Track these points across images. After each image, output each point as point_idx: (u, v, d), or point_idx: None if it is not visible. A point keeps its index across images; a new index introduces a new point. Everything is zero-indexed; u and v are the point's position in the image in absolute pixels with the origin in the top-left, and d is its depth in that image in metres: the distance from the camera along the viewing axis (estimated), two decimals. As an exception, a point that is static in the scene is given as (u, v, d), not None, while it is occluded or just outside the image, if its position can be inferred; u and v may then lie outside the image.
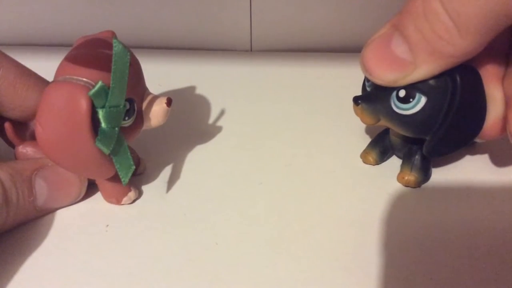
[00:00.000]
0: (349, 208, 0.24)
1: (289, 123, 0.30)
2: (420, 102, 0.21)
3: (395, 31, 0.19)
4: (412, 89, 0.21)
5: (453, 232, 0.22)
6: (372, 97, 0.22)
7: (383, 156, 0.26)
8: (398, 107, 0.22)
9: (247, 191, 0.25)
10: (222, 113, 0.31)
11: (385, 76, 0.20)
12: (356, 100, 0.23)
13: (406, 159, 0.25)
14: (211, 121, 0.30)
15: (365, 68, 0.20)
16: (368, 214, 0.23)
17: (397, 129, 0.23)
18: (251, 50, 0.38)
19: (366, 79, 0.24)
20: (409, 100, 0.21)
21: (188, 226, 0.23)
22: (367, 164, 0.26)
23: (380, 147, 0.26)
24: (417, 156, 0.24)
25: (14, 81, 0.22)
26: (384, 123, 0.23)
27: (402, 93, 0.21)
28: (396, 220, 0.23)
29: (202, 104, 0.32)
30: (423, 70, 0.19)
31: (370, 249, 0.22)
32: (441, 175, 0.25)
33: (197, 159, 0.27)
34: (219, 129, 0.29)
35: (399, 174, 0.25)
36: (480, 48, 0.18)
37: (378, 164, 0.26)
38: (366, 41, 0.20)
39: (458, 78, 0.20)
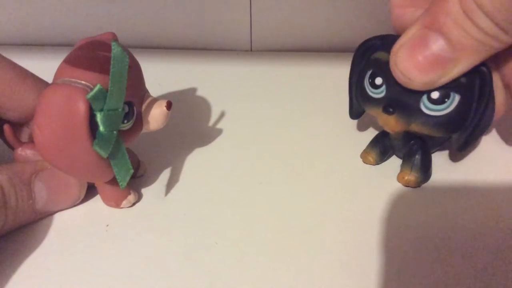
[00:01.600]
0: (349, 208, 0.24)
1: (289, 123, 0.30)
2: (454, 100, 0.21)
3: (429, 31, 0.19)
4: (446, 89, 0.20)
5: (453, 232, 0.22)
6: (402, 103, 0.21)
7: (383, 156, 0.26)
8: (430, 109, 0.21)
9: (247, 191, 0.25)
10: (222, 113, 0.31)
11: (426, 77, 0.19)
12: (387, 109, 0.21)
13: (406, 159, 0.25)
14: (211, 121, 0.30)
15: (403, 73, 0.20)
16: (368, 214, 0.23)
17: (427, 131, 0.22)
18: (251, 50, 0.38)
19: (360, 89, 0.23)
20: (444, 100, 0.21)
21: (188, 226, 0.23)
22: (367, 164, 0.26)
23: (380, 147, 0.26)
24: (417, 156, 0.24)
25: (11, 82, 0.22)
26: (414, 127, 0.22)
27: (435, 94, 0.21)
28: (396, 220, 0.23)
29: (202, 104, 0.32)
30: (463, 65, 0.19)
31: (370, 249, 0.22)
32: (441, 175, 0.25)
33: (197, 159, 0.27)
34: (219, 129, 0.29)
35: (399, 174, 0.25)
36: None
37: (378, 164, 0.26)
38: (393, 49, 0.20)
39: (486, 71, 0.20)
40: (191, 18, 0.37)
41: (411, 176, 0.24)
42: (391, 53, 0.21)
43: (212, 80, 0.34)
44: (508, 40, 0.18)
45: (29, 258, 0.21)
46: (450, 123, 0.21)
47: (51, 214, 0.23)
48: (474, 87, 0.21)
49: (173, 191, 0.25)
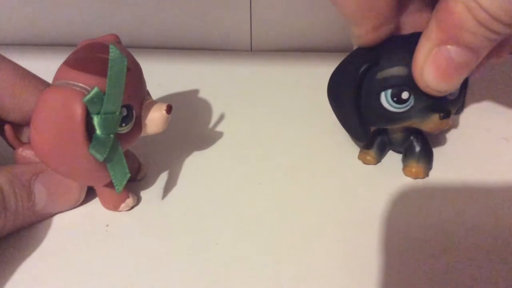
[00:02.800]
0: (349, 208, 0.24)
1: (289, 123, 0.30)
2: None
3: (446, 46, 0.20)
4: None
5: (454, 232, 0.22)
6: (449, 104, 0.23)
7: (381, 154, 0.26)
8: (450, 102, 0.23)
9: (246, 191, 0.25)
10: (222, 113, 0.31)
11: (452, 85, 0.21)
12: (446, 116, 0.22)
13: (410, 152, 0.25)
14: (210, 121, 0.30)
15: (432, 88, 0.21)
16: (368, 214, 0.23)
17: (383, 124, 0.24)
18: (251, 50, 0.38)
19: (375, 110, 0.23)
20: (456, 99, 0.23)
21: (188, 226, 0.23)
22: (367, 164, 0.26)
23: (377, 145, 0.26)
24: (419, 148, 0.25)
25: (12, 83, 0.22)
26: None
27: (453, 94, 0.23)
28: (396, 220, 0.23)
29: (202, 104, 0.32)
30: (481, 56, 0.20)
31: (370, 249, 0.22)
32: (441, 175, 0.25)
33: (197, 159, 0.27)
34: (218, 129, 0.29)
35: (405, 168, 0.25)
36: None
37: (378, 162, 0.26)
38: (415, 67, 0.21)
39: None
40: (191, 18, 0.37)
41: (418, 168, 0.25)
42: (415, 72, 0.21)
43: (212, 80, 0.34)
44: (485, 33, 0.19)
45: (29, 258, 0.21)
46: (459, 105, 0.25)
47: (51, 216, 0.23)
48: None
49: (172, 191, 0.25)
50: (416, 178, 0.25)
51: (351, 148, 0.27)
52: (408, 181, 0.25)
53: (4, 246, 0.21)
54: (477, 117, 0.30)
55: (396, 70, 0.22)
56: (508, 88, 0.33)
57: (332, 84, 0.25)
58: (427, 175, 0.25)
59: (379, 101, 0.23)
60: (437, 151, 0.27)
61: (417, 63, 0.21)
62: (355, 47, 0.24)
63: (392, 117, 0.23)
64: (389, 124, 0.24)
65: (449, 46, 0.20)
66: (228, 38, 0.38)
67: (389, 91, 0.22)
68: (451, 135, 0.28)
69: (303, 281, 0.20)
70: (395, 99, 0.22)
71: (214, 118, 0.30)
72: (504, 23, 0.18)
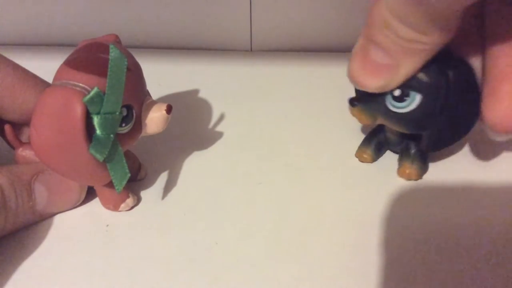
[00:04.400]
0: (349, 208, 0.24)
1: (289, 123, 0.30)
2: (415, 99, 0.21)
3: (369, 42, 0.20)
4: (406, 87, 0.21)
5: (453, 231, 0.22)
6: (367, 97, 0.23)
7: (378, 152, 0.26)
8: (394, 106, 0.22)
9: (246, 191, 0.25)
10: (222, 113, 0.31)
11: (374, 84, 0.20)
12: (352, 102, 0.23)
13: (405, 153, 0.25)
14: (210, 121, 0.30)
15: (354, 82, 0.21)
16: (368, 213, 0.23)
17: (395, 127, 0.23)
18: (251, 50, 0.38)
19: None
20: (403, 98, 0.22)
21: (188, 226, 0.23)
22: (363, 162, 0.26)
23: (375, 143, 0.26)
24: (415, 149, 0.25)
25: (12, 83, 0.22)
26: (382, 121, 0.23)
27: (397, 92, 0.21)
28: (396, 220, 0.23)
29: (202, 104, 0.32)
30: (405, 69, 0.20)
31: (370, 249, 0.22)
32: (441, 175, 0.25)
33: (197, 159, 0.27)
34: (218, 129, 0.29)
35: (399, 169, 0.25)
36: (449, 33, 0.18)
37: (374, 161, 0.26)
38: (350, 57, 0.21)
39: (450, 74, 0.21)
40: (191, 18, 0.37)
41: (412, 169, 0.25)
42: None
43: (212, 80, 0.34)
44: (431, 41, 0.18)
45: (29, 258, 0.21)
46: (412, 121, 0.22)
47: (51, 216, 0.23)
48: (440, 88, 0.21)
49: (172, 191, 0.25)
50: (409, 179, 0.25)
51: (351, 148, 0.27)
52: (407, 181, 0.25)
53: (4, 246, 0.21)
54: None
55: None
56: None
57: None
58: (421, 177, 0.25)
59: (385, 102, 0.23)
60: (438, 151, 0.27)
61: (352, 55, 0.21)
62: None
63: (399, 117, 0.23)
64: (398, 125, 0.24)
65: (369, 43, 0.19)
66: (228, 38, 0.38)
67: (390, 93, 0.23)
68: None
69: (303, 281, 0.20)
70: (397, 99, 0.22)
71: (214, 118, 0.30)
72: (409, 26, 0.17)
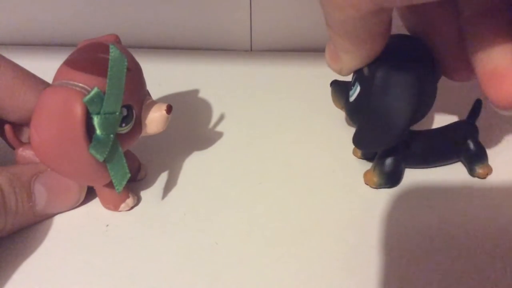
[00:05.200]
0: (349, 208, 0.24)
1: (289, 123, 0.30)
2: (356, 90, 0.23)
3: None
4: (355, 77, 0.23)
5: (453, 232, 0.22)
6: (343, 83, 0.25)
7: (368, 153, 0.26)
8: (350, 95, 0.24)
9: (247, 191, 0.25)
10: (221, 113, 0.31)
11: (332, 67, 0.23)
12: (331, 82, 0.26)
13: (376, 159, 0.25)
14: (210, 121, 0.30)
15: (327, 64, 0.24)
16: (368, 213, 0.23)
17: (347, 114, 0.25)
18: (251, 50, 0.38)
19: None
20: (351, 87, 0.24)
21: (188, 226, 0.23)
22: (354, 155, 0.27)
23: None
24: (386, 160, 0.24)
25: (12, 83, 0.22)
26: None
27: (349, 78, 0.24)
28: (396, 220, 0.23)
29: (202, 104, 0.32)
30: (346, 63, 0.22)
31: (370, 249, 0.22)
32: (440, 175, 0.25)
33: (197, 159, 0.27)
34: (218, 129, 0.29)
35: (367, 170, 0.25)
36: (374, 45, 0.21)
37: (362, 158, 0.27)
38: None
39: (378, 73, 0.21)
40: (191, 18, 0.37)
41: (372, 176, 0.25)
42: None
43: (212, 80, 0.34)
44: (331, 34, 0.20)
45: (29, 258, 0.21)
46: (350, 110, 0.24)
47: (50, 216, 0.23)
48: (373, 80, 0.22)
49: (172, 191, 0.25)
50: (366, 184, 0.25)
51: (351, 148, 0.27)
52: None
53: (4, 246, 0.21)
54: (478, 119, 0.30)
55: None
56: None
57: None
58: (377, 186, 0.25)
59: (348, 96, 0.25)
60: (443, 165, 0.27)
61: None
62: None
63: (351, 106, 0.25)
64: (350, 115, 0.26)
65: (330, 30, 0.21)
66: (228, 38, 0.38)
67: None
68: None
69: (303, 281, 0.20)
70: (351, 90, 0.25)
71: (214, 118, 0.30)
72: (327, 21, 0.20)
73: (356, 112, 0.24)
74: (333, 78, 0.27)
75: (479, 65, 0.19)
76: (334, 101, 0.26)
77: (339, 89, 0.26)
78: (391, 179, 0.25)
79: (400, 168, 0.25)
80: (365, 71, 0.22)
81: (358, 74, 0.23)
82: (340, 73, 0.23)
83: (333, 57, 0.22)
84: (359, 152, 0.27)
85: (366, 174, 0.25)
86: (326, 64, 0.23)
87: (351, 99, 0.24)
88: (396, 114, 0.21)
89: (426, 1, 0.16)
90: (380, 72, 0.21)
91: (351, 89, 0.24)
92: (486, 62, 0.19)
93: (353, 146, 0.27)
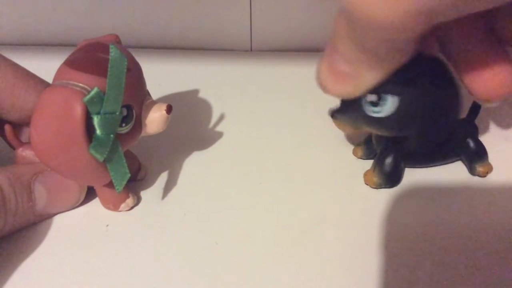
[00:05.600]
0: (349, 208, 0.24)
1: (289, 123, 0.30)
2: (390, 102, 0.21)
3: (334, 52, 0.19)
4: (381, 92, 0.21)
5: (453, 232, 0.22)
6: (345, 107, 0.23)
7: (368, 153, 0.26)
8: (372, 111, 0.22)
9: (247, 191, 0.25)
10: (221, 113, 0.31)
11: (339, 90, 0.20)
12: (332, 114, 0.23)
13: (376, 159, 0.25)
14: (210, 121, 0.30)
15: (322, 88, 0.21)
16: (368, 214, 0.23)
17: (377, 132, 0.23)
18: (251, 50, 0.38)
19: None
20: (378, 103, 0.21)
21: (188, 226, 0.23)
22: (354, 155, 0.27)
23: (368, 144, 0.26)
24: (385, 160, 0.24)
25: (12, 82, 0.22)
26: (365, 128, 0.23)
27: (372, 97, 0.21)
28: (396, 220, 0.23)
29: (202, 104, 0.32)
30: (367, 80, 0.20)
31: (370, 249, 0.22)
32: (441, 175, 0.25)
33: (197, 159, 0.27)
34: (218, 129, 0.29)
35: (367, 170, 0.25)
36: (402, 56, 0.18)
37: (363, 158, 0.27)
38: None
39: (428, 75, 0.21)
40: (191, 18, 0.37)
41: (373, 176, 0.25)
42: None
43: (212, 80, 0.34)
44: (352, 52, 0.18)
45: (29, 258, 0.21)
46: (391, 123, 0.22)
47: (50, 216, 0.23)
48: (417, 91, 0.21)
49: (172, 191, 0.25)
50: (366, 184, 0.25)
51: (350, 148, 0.27)
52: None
53: (4, 246, 0.21)
54: (477, 118, 0.30)
55: None
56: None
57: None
58: (377, 186, 0.25)
59: (362, 107, 0.23)
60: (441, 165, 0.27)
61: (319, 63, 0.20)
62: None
63: (378, 122, 0.23)
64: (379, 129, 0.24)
65: (334, 51, 0.19)
66: (228, 38, 0.38)
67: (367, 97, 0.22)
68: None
69: (303, 281, 0.20)
70: (373, 103, 0.22)
71: (214, 118, 0.30)
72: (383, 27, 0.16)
73: (403, 121, 0.22)
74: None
75: (462, 61, 0.20)
76: (344, 128, 0.24)
77: (346, 115, 0.23)
78: (391, 179, 0.25)
79: (400, 168, 0.25)
80: (398, 80, 0.20)
81: (387, 87, 0.21)
82: (347, 94, 0.20)
83: (338, 78, 0.20)
84: (359, 152, 0.27)
85: (366, 174, 0.25)
86: (319, 85, 0.21)
87: (382, 114, 0.22)
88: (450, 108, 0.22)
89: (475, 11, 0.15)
90: (430, 76, 0.21)
91: (375, 106, 0.22)
92: (467, 56, 0.19)
93: (353, 146, 0.27)
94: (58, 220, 0.23)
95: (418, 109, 0.22)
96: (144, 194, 0.25)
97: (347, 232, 0.22)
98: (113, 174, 0.21)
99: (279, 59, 0.37)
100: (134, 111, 0.21)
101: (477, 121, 0.26)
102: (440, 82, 0.21)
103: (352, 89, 0.20)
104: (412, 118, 0.22)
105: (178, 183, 0.25)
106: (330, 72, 0.20)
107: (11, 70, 0.22)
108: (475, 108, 0.26)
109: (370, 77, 0.19)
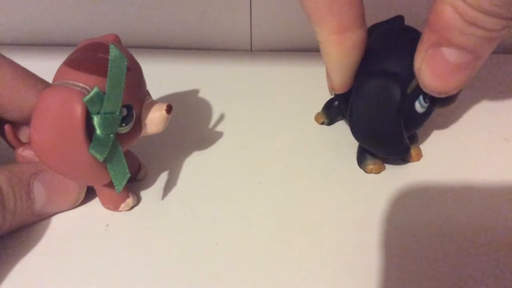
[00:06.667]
0: (349, 208, 0.24)
1: (289, 122, 0.30)
2: (422, 97, 0.23)
3: (438, 47, 0.19)
4: (416, 87, 0.22)
5: (453, 231, 0.22)
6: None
7: (332, 119, 0.29)
8: (422, 106, 0.23)
9: (247, 191, 0.25)
10: (222, 113, 0.31)
11: (457, 82, 0.20)
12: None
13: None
14: (211, 121, 0.30)
15: (432, 90, 0.21)
16: (368, 213, 0.23)
17: (417, 128, 0.25)
18: (251, 50, 0.38)
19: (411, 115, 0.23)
20: (415, 100, 0.23)
21: (188, 226, 0.23)
22: (317, 122, 0.29)
23: (329, 110, 0.29)
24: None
25: (12, 82, 0.22)
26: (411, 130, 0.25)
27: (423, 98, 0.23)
28: (396, 220, 0.23)
29: (202, 104, 0.32)
30: (485, 57, 0.20)
31: (370, 249, 0.22)
32: (441, 175, 0.25)
33: (197, 159, 0.27)
34: (218, 129, 0.29)
35: (413, 150, 0.26)
36: None
37: (325, 124, 0.29)
38: (416, 71, 0.21)
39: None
40: (191, 18, 0.37)
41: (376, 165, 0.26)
42: (416, 75, 0.21)
43: (212, 80, 0.34)
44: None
45: (29, 258, 0.21)
46: (424, 117, 0.24)
47: (50, 216, 0.23)
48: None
49: (172, 191, 0.25)
50: (370, 172, 0.26)
51: (351, 148, 0.27)
52: (407, 181, 0.25)
53: (3, 246, 0.21)
54: (477, 117, 0.30)
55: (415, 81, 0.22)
56: (508, 88, 0.33)
57: (366, 123, 0.24)
58: (379, 171, 0.26)
59: (413, 109, 0.23)
60: (438, 151, 0.27)
61: (416, 66, 0.21)
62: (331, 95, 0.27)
63: (423, 117, 0.24)
64: (421, 125, 0.25)
65: (443, 48, 0.19)
66: (228, 38, 0.38)
67: (421, 97, 0.23)
68: (451, 135, 0.28)
69: (303, 281, 0.20)
70: (426, 99, 0.23)
71: (214, 118, 0.30)
72: (497, 17, 0.17)
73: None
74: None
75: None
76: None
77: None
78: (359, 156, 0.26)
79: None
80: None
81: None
82: (448, 92, 0.21)
83: (453, 72, 0.20)
84: (320, 119, 0.29)
85: (417, 154, 0.26)
86: (437, 90, 0.21)
87: (424, 110, 0.23)
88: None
89: None
90: None
91: (415, 100, 0.23)
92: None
93: (353, 147, 0.27)
94: (58, 220, 0.23)
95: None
96: (144, 194, 0.25)
97: (347, 232, 0.22)
98: (113, 174, 0.21)
99: (279, 59, 0.37)
100: (134, 111, 0.21)
101: (477, 121, 0.26)
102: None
103: (468, 76, 0.20)
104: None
105: (178, 183, 0.25)
106: (443, 71, 0.20)
107: (11, 70, 0.22)
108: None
109: (488, 53, 0.19)
